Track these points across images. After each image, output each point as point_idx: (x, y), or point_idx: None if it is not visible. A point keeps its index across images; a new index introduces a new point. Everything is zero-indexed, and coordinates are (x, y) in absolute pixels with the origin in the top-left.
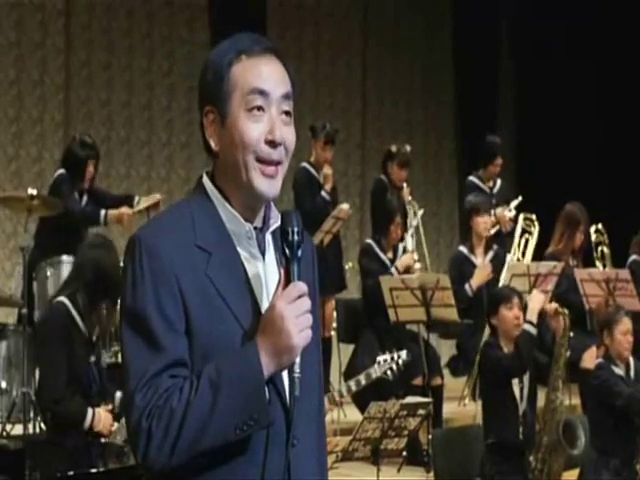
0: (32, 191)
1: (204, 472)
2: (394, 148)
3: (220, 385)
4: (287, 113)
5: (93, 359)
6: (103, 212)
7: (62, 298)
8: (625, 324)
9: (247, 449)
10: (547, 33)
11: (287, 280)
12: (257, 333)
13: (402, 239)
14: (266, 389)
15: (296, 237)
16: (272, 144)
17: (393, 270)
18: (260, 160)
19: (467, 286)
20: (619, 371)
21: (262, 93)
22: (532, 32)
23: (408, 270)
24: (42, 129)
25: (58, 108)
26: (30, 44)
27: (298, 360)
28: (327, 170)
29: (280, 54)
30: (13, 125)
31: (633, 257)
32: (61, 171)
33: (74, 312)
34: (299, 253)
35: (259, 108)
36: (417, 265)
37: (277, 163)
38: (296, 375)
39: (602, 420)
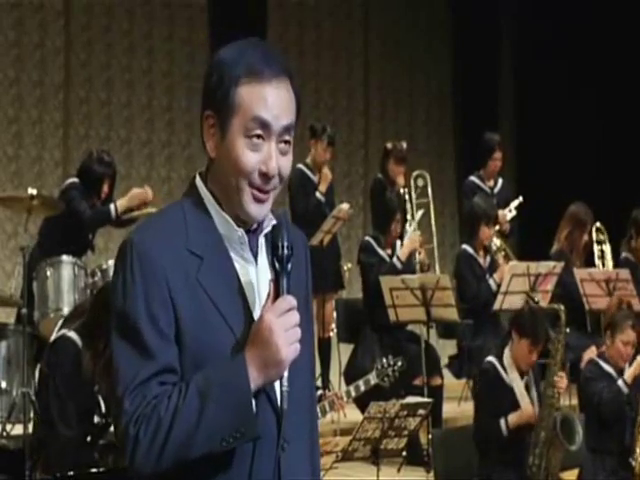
0: (32, 191)
1: (193, 474)
2: (390, 145)
3: (207, 396)
4: (287, 142)
5: (97, 388)
6: (112, 206)
7: (70, 333)
8: (628, 335)
9: (235, 452)
10: (547, 33)
11: (277, 293)
12: (246, 345)
13: (401, 237)
14: (254, 402)
15: (286, 251)
16: (265, 177)
17: (395, 260)
18: (252, 186)
19: (492, 280)
20: (609, 368)
21: (263, 125)
22: (532, 32)
23: (416, 251)
24: (42, 129)
25: (58, 108)
26: (30, 44)
27: (286, 374)
28: (327, 172)
29: (291, 74)
30: (13, 125)
31: (623, 254)
32: (74, 179)
33: (80, 345)
34: (289, 267)
35: (258, 136)
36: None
37: (269, 191)
38: (284, 389)
39: (594, 418)
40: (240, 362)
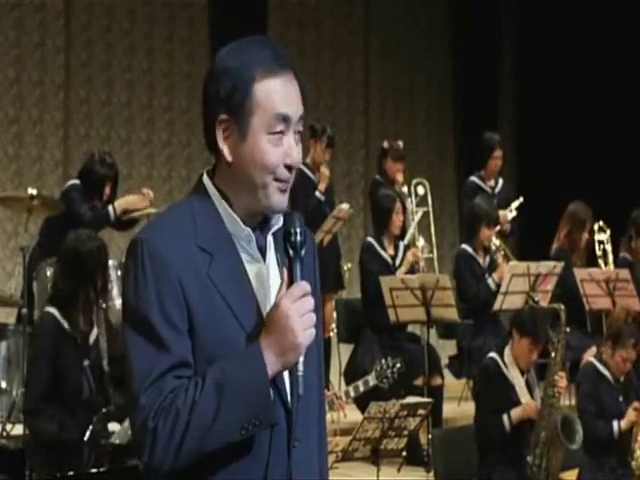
0: (32, 191)
1: (209, 473)
2: (386, 144)
3: (225, 386)
4: (299, 132)
5: (87, 363)
6: (110, 207)
7: (49, 308)
8: (628, 353)
9: (251, 449)
10: (547, 33)
11: (290, 280)
12: (261, 333)
13: (402, 236)
14: (270, 389)
15: (299, 237)
16: (290, 169)
17: (398, 274)
18: (277, 180)
19: (490, 280)
20: (605, 371)
21: (285, 119)
22: (532, 32)
23: (415, 265)
24: (42, 129)
25: (58, 108)
26: (30, 44)
27: (302, 359)
28: (325, 171)
29: (296, 68)
30: (13, 125)
31: (622, 254)
32: (75, 181)
33: (62, 320)
34: (302, 253)
35: (280, 131)
36: (422, 256)
37: (289, 180)
38: (299, 374)
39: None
40: (256, 349)
